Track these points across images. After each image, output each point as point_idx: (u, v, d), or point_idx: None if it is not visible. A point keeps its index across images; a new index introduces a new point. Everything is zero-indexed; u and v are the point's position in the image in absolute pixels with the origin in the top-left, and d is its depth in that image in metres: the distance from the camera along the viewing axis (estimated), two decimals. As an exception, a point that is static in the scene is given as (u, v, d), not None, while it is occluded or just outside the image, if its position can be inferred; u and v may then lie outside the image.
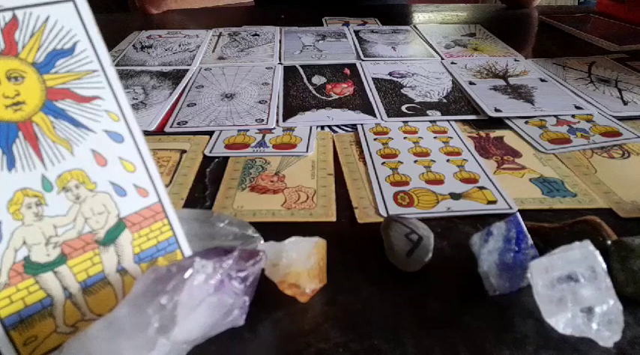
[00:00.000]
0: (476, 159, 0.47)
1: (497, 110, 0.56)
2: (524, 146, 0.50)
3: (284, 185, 0.43)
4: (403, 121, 0.55)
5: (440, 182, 0.43)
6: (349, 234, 0.37)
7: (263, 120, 0.55)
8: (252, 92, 0.62)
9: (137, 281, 0.25)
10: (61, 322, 0.26)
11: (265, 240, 0.33)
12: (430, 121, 0.55)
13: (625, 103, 0.58)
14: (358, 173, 0.45)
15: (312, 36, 0.85)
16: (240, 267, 0.27)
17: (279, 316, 0.30)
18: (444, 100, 0.60)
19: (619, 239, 0.32)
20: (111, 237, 0.27)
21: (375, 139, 0.51)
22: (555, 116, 0.55)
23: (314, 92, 0.62)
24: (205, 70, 0.70)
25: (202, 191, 0.43)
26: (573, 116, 0.55)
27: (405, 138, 0.51)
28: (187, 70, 0.70)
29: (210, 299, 0.26)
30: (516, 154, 0.48)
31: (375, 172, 0.45)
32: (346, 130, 0.53)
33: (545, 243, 0.34)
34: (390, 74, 0.68)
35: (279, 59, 0.74)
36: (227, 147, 0.50)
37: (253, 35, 0.85)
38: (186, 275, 0.25)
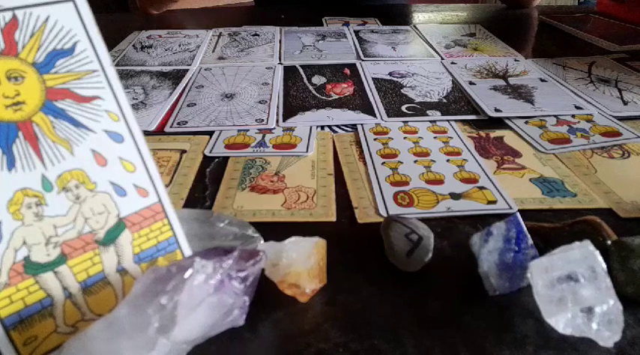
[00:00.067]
0: (476, 159, 0.47)
1: (497, 110, 0.56)
2: (524, 146, 0.50)
3: (284, 185, 0.43)
4: (403, 121, 0.55)
5: (440, 182, 0.43)
6: (349, 234, 0.37)
7: (263, 120, 0.55)
8: (252, 92, 0.62)
9: (137, 281, 0.25)
10: (61, 322, 0.26)
11: (265, 240, 0.33)
12: (430, 121, 0.55)
13: (625, 103, 0.58)
14: (358, 173, 0.45)
15: (312, 36, 0.85)
16: (240, 267, 0.27)
17: (279, 316, 0.30)
18: (444, 100, 0.60)
19: (619, 239, 0.32)
20: (111, 237, 0.27)
21: (375, 139, 0.51)
22: (555, 116, 0.55)
23: (314, 92, 0.62)
24: (205, 70, 0.70)
25: (202, 191, 0.43)
26: (573, 116, 0.55)
27: (405, 138, 0.51)
28: (187, 70, 0.70)
29: (210, 299, 0.26)
30: (516, 154, 0.48)
31: (375, 172, 0.45)
32: (346, 130, 0.53)
33: (545, 243, 0.34)
34: (390, 74, 0.68)
35: (279, 59, 0.74)
36: (227, 147, 0.50)
37: (253, 35, 0.85)
38: (186, 275, 0.25)
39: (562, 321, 0.27)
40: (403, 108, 0.58)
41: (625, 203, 0.40)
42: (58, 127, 0.26)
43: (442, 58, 0.74)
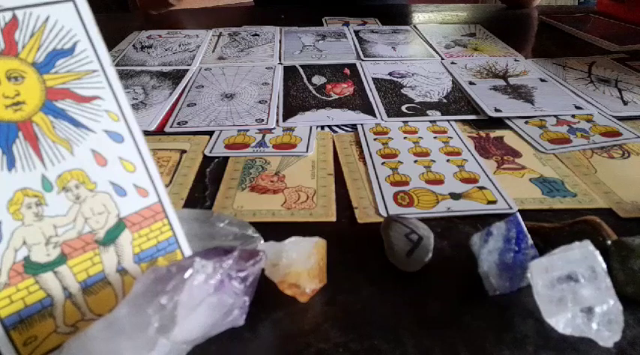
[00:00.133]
0: (476, 159, 0.47)
1: (497, 110, 0.56)
2: (524, 146, 0.50)
3: (284, 185, 0.43)
4: (403, 121, 0.55)
5: (440, 182, 0.43)
6: (349, 234, 0.37)
7: (263, 120, 0.55)
8: (252, 92, 0.62)
9: (137, 281, 0.25)
10: (61, 322, 0.26)
11: (265, 240, 0.33)
12: (430, 121, 0.55)
13: (625, 103, 0.58)
14: (358, 173, 0.45)
15: (312, 36, 0.85)
16: (240, 267, 0.27)
17: (279, 316, 0.30)
18: (444, 100, 0.60)
19: (619, 239, 0.32)
20: (111, 237, 0.27)
21: (375, 139, 0.51)
22: (555, 116, 0.55)
23: (314, 92, 0.62)
24: (205, 70, 0.70)
25: (202, 191, 0.43)
26: (573, 116, 0.55)
27: (405, 138, 0.51)
28: (187, 70, 0.70)
29: (210, 299, 0.26)
30: (516, 154, 0.48)
31: (375, 172, 0.45)
32: (346, 130, 0.53)
33: (545, 243, 0.34)
34: (390, 74, 0.68)
35: (279, 59, 0.74)
36: (227, 147, 0.50)
37: (253, 35, 0.85)
38: (186, 275, 0.25)
39: (562, 321, 0.27)
40: (403, 108, 0.58)
41: (625, 203, 0.40)
42: (58, 127, 0.26)
43: (442, 58, 0.74)
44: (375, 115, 0.56)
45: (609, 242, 0.32)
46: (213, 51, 0.78)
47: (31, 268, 0.25)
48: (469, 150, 0.48)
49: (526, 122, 0.54)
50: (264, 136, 0.51)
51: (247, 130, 0.53)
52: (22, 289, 0.25)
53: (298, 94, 0.62)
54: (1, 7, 0.24)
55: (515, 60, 0.73)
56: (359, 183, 0.44)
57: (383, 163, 0.46)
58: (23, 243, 0.25)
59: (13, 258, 0.25)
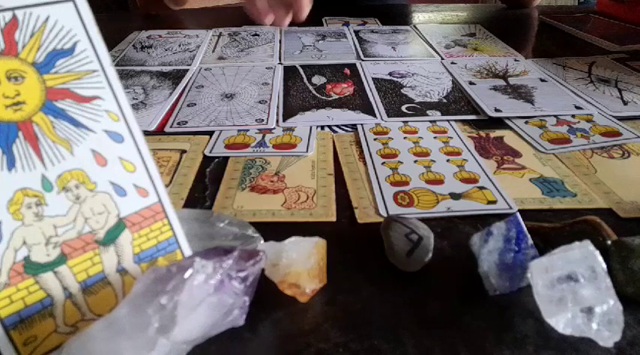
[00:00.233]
0: (476, 159, 0.47)
1: (497, 110, 0.56)
2: (524, 146, 0.50)
3: (284, 185, 0.43)
4: (403, 121, 0.55)
5: (440, 182, 0.43)
6: (349, 234, 0.37)
7: (263, 120, 0.55)
8: (252, 92, 0.62)
9: (137, 281, 0.25)
10: (61, 322, 0.26)
11: (265, 240, 0.33)
12: (430, 121, 0.55)
13: (625, 103, 0.58)
14: (358, 173, 0.45)
15: (312, 36, 0.85)
16: (240, 267, 0.27)
17: (279, 316, 0.30)
18: (444, 100, 0.60)
19: (619, 239, 0.32)
20: (111, 237, 0.27)
21: (375, 139, 0.51)
22: (555, 116, 0.55)
23: (314, 92, 0.62)
24: (205, 70, 0.70)
25: (202, 191, 0.43)
26: (573, 116, 0.55)
27: (405, 138, 0.51)
28: (187, 70, 0.70)
29: (210, 299, 0.26)
30: (516, 154, 0.48)
31: (375, 172, 0.45)
32: (346, 130, 0.53)
33: (545, 243, 0.34)
34: (390, 74, 0.68)
35: (279, 59, 0.74)
36: (227, 147, 0.50)
37: (253, 35, 0.85)
38: (186, 275, 0.25)
39: (562, 321, 0.27)
40: (403, 108, 0.58)
41: (625, 203, 0.40)
42: (58, 127, 0.26)
43: (442, 58, 0.74)
44: (375, 115, 0.56)
45: (609, 242, 0.32)
46: (213, 51, 0.78)
47: (31, 268, 0.25)
48: (469, 150, 0.48)
49: (526, 122, 0.54)
50: (264, 136, 0.51)
51: (247, 130, 0.53)
52: (22, 289, 0.25)
53: (298, 94, 0.62)
54: (1, 7, 0.24)
55: (515, 60, 0.73)
56: (359, 183, 0.44)
57: (383, 163, 0.46)
58: (23, 243, 0.25)
59: (13, 258, 0.25)
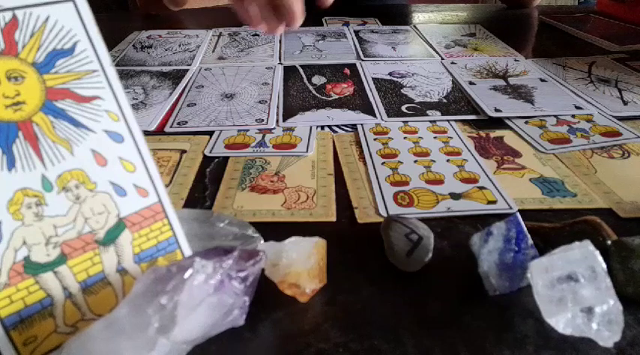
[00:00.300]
0: (476, 159, 0.47)
1: (497, 110, 0.56)
2: (524, 146, 0.50)
3: (284, 185, 0.43)
4: (403, 121, 0.55)
5: (440, 182, 0.43)
6: (349, 234, 0.37)
7: (263, 120, 0.55)
8: (252, 92, 0.62)
9: (137, 281, 0.25)
10: (61, 322, 0.26)
11: (265, 240, 0.33)
12: (430, 121, 0.55)
13: (625, 103, 0.58)
14: (358, 173, 0.45)
15: (312, 36, 0.85)
16: (240, 267, 0.27)
17: (279, 316, 0.30)
18: (444, 100, 0.60)
19: (619, 239, 0.32)
20: (111, 237, 0.27)
21: (375, 139, 0.51)
22: (555, 116, 0.55)
23: (314, 92, 0.62)
24: (205, 70, 0.70)
25: (202, 191, 0.43)
26: (573, 116, 0.55)
27: (405, 138, 0.51)
28: (187, 70, 0.70)
29: (210, 299, 0.26)
30: (516, 154, 0.48)
31: (375, 172, 0.45)
32: (346, 130, 0.53)
33: (545, 243, 0.34)
34: (390, 74, 0.68)
35: (279, 59, 0.74)
36: (227, 147, 0.50)
37: (253, 35, 0.85)
38: (186, 275, 0.25)
39: (562, 321, 0.27)
40: (403, 108, 0.58)
41: (625, 203, 0.40)
42: (58, 127, 0.26)
43: (442, 58, 0.74)
44: (375, 115, 0.56)
45: (609, 242, 0.32)
46: (213, 51, 0.78)
47: (31, 268, 0.25)
48: (469, 150, 0.48)
49: (526, 122, 0.54)
50: (264, 136, 0.51)
51: (247, 130, 0.53)
52: (22, 289, 0.25)
53: (298, 94, 0.62)
54: (1, 7, 0.24)
55: (515, 60, 0.73)
56: (359, 183, 0.44)
57: (383, 163, 0.46)
58: (23, 243, 0.25)
59: (13, 258, 0.25)
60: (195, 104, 0.59)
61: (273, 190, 0.43)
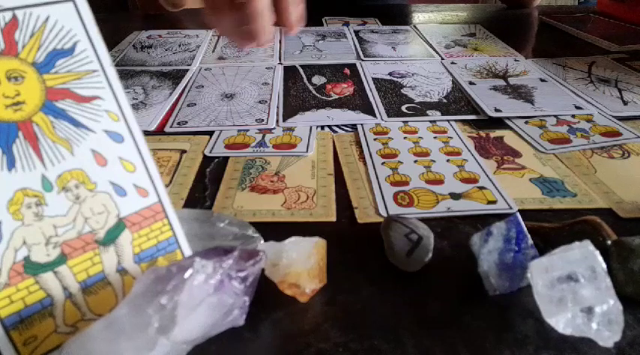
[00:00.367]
0: (476, 159, 0.47)
1: (497, 110, 0.56)
2: (524, 146, 0.50)
3: (284, 185, 0.43)
4: (403, 121, 0.55)
5: (440, 182, 0.43)
6: (349, 234, 0.37)
7: (263, 120, 0.55)
8: (252, 92, 0.62)
9: (137, 281, 0.25)
10: (61, 322, 0.26)
11: (265, 240, 0.33)
12: (430, 121, 0.55)
13: (625, 103, 0.58)
14: (358, 173, 0.45)
15: (312, 36, 0.85)
16: (240, 267, 0.27)
17: (279, 316, 0.30)
18: (444, 100, 0.60)
19: (619, 239, 0.32)
20: (111, 237, 0.27)
21: (375, 139, 0.51)
22: (555, 116, 0.55)
23: (314, 92, 0.62)
24: (205, 70, 0.70)
25: (202, 191, 0.43)
26: (573, 116, 0.55)
27: (405, 138, 0.51)
28: (187, 70, 0.70)
29: (210, 299, 0.26)
30: (516, 154, 0.48)
31: (375, 172, 0.45)
32: (346, 130, 0.53)
33: (545, 243, 0.34)
34: (390, 74, 0.68)
35: (279, 59, 0.74)
36: (227, 147, 0.50)
37: (253, 35, 0.85)
38: (186, 275, 0.25)
39: (562, 321, 0.27)
40: (403, 108, 0.58)
41: (625, 203, 0.40)
42: (58, 127, 0.26)
43: (442, 58, 0.74)
44: (375, 115, 0.56)
45: (609, 242, 0.32)
46: (213, 51, 0.78)
47: (31, 268, 0.25)
48: (469, 150, 0.48)
49: (526, 122, 0.54)
50: (264, 136, 0.51)
51: (247, 130, 0.53)
52: (22, 289, 0.25)
53: (298, 94, 0.62)
54: (1, 7, 0.24)
55: (515, 60, 0.73)
56: (359, 183, 0.44)
57: (383, 163, 0.46)
58: (23, 243, 0.25)
59: (13, 258, 0.25)
60: (195, 104, 0.59)
61: (273, 190, 0.43)
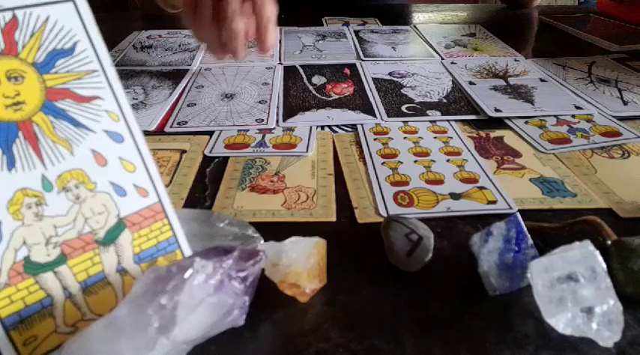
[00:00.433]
0: (476, 159, 0.47)
1: (497, 110, 0.56)
2: (524, 146, 0.50)
3: (284, 185, 0.43)
4: (403, 121, 0.55)
5: (440, 182, 0.43)
6: (349, 234, 0.37)
7: (263, 120, 0.55)
8: (252, 92, 0.62)
9: (137, 281, 0.25)
10: (61, 322, 0.26)
11: (265, 240, 0.33)
12: (430, 121, 0.55)
13: (625, 103, 0.58)
14: (358, 173, 0.45)
15: (312, 36, 0.85)
16: (240, 267, 0.27)
17: (279, 316, 0.30)
18: (444, 100, 0.60)
19: (619, 239, 0.32)
20: (111, 237, 0.27)
21: (375, 139, 0.51)
22: (555, 116, 0.55)
23: (314, 92, 0.62)
24: (205, 70, 0.70)
25: (202, 191, 0.43)
26: (573, 116, 0.55)
27: (405, 138, 0.51)
28: (187, 70, 0.70)
29: (210, 299, 0.26)
30: (516, 154, 0.48)
31: (375, 172, 0.45)
32: (346, 130, 0.53)
33: (545, 243, 0.34)
34: (390, 74, 0.68)
35: (279, 59, 0.74)
36: (227, 147, 0.50)
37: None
38: (186, 275, 0.25)
39: (562, 321, 0.27)
40: (403, 108, 0.58)
41: (625, 203, 0.40)
42: (58, 127, 0.26)
43: (442, 58, 0.74)
44: (375, 115, 0.56)
45: (609, 242, 0.32)
46: (213, 51, 0.78)
47: (31, 268, 0.25)
48: (469, 150, 0.48)
49: (526, 122, 0.54)
50: (264, 136, 0.51)
51: (247, 130, 0.53)
52: (22, 289, 0.25)
53: (298, 94, 0.62)
54: (1, 7, 0.24)
55: (515, 60, 0.73)
56: (359, 183, 0.44)
57: (383, 163, 0.46)
58: (23, 243, 0.25)
59: (13, 258, 0.25)
60: (195, 104, 0.59)
61: (273, 190, 0.43)
